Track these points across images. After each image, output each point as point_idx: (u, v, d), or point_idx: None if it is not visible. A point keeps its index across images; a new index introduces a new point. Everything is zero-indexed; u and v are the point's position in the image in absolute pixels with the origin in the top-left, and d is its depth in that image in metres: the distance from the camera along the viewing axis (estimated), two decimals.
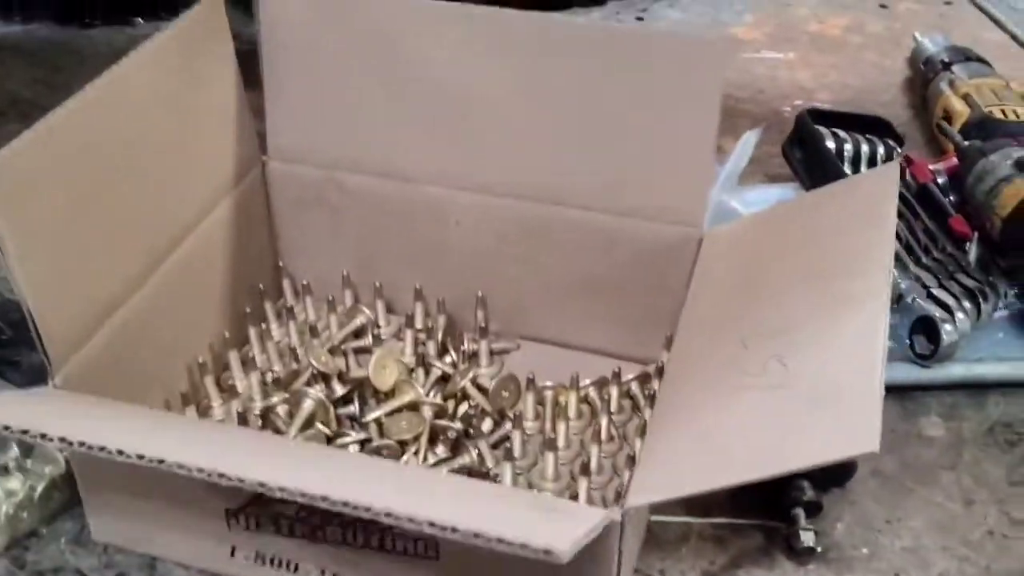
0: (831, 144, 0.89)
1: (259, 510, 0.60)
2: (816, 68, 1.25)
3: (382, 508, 0.46)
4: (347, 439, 0.69)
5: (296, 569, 0.62)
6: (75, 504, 0.67)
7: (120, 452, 0.51)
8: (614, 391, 0.73)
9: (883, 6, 1.41)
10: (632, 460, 0.68)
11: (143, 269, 0.67)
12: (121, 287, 0.65)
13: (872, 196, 0.62)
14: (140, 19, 1.31)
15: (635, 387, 0.74)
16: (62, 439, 0.52)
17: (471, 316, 0.79)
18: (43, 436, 0.52)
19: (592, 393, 0.74)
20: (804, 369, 0.52)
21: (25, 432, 0.52)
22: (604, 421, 0.71)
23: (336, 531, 0.59)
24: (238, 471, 0.50)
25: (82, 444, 0.52)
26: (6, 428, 0.51)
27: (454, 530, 0.45)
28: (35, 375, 0.78)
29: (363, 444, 0.69)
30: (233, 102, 0.74)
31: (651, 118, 0.68)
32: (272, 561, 0.62)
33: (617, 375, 0.73)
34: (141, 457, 0.51)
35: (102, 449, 0.51)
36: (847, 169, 0.89)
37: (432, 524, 0.45)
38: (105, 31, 1.30)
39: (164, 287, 0.69)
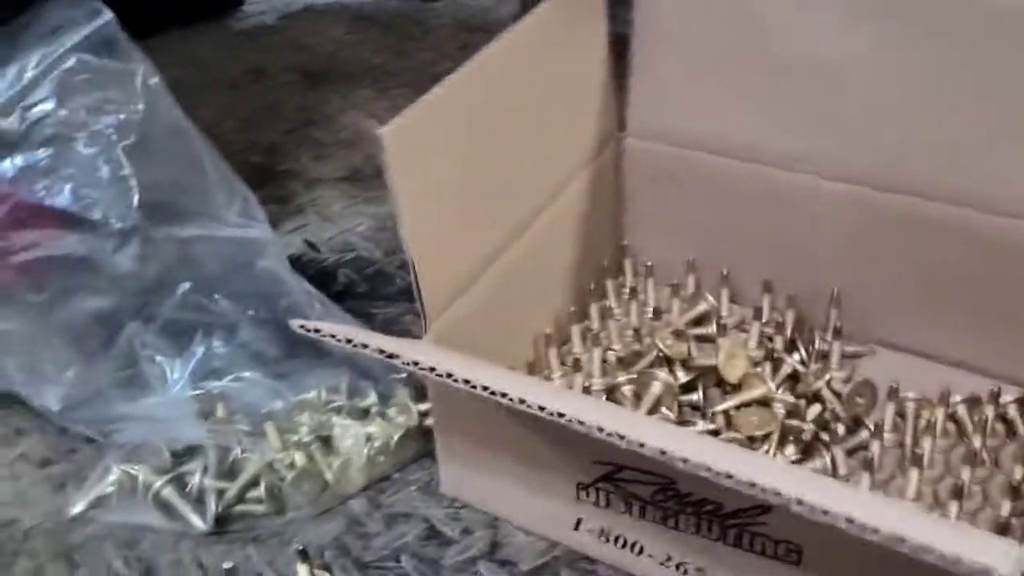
0: None
1: (611, 487, 0.59)
2: None
3: (725, 471, 0.44)
4: (696, 429, 0.67)
5: (641, 551, 0.61)
6: (424, 456, 0.70)
7: (503, 394, 0.52)
8: (989, 411, 0.67)
9: None
10: (1014, 490, 0.62)
11: (508, 235, 0.69)
12: (489, 251, 0.67)
13: None
14: None
15: (1013, 410, 0.67)
16: (448, 375, 0.53)
17: (821, 314, 0.75)
18: (432, 370, 0.53)
19: (961, 411, 0.68)
20: None
21: (415, 364, 0.54)
22: (977, 442, 0.65)
23: (690, 520, 0.57)
24: (617, 428, 0.49)
25: (467, 382, 0.53)
26: (415, 364, 0.53)
27: (875, 531, 0.41)
28: (386, 329, 0.82)
29: (712, 436, 0.67)
30: (600, 77, 0.74)
31: None
32: (617, 540, 0.61)
33: (996, 395, 0.67)
34: (522, 401, 0.51)
35: (485, 389, 0.52)
36: None
37: (851, 521, 0.42)
38: (448, 4, 1.36)
39: (523, 256, 0.70)
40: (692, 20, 0.72)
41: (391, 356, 0.53)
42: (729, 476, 0.46)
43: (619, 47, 0.75)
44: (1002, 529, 0.60)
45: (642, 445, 0.47)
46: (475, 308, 0.66)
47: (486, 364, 0.59)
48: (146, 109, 0.63)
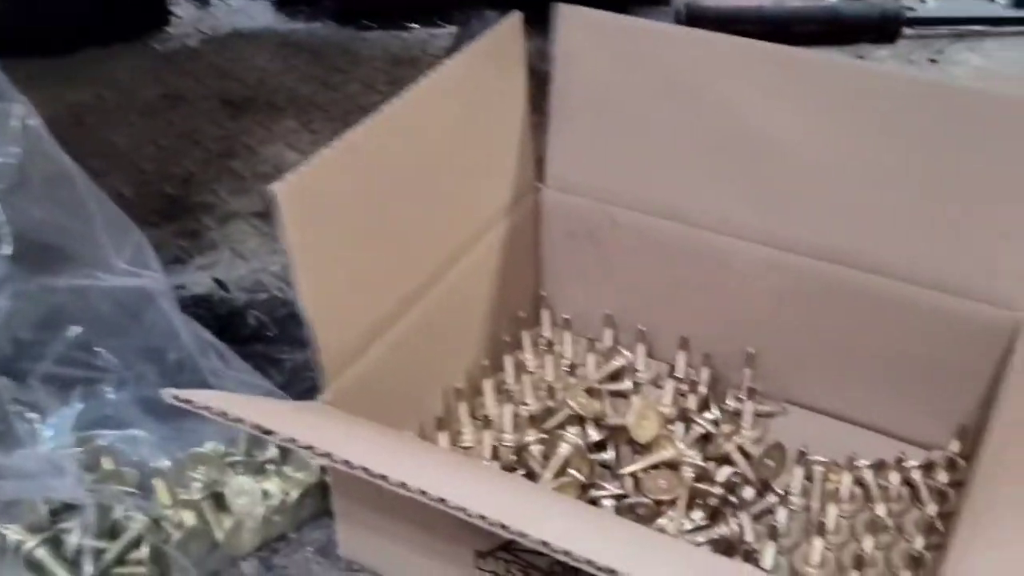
0: None
1: (510, 556, 0.57)
2: None
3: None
4: (602, 492, 0.65)
5: None
6: (323, 514, 0.67)
7: (383, 477, 0.50)
8: (894, 477, 0.66)
9: None
10: (915, 560, 0.61)
11: (418, 288, 0.66)
12: (396, 306, 0.65)
13: None
14: (415, 24, 1.34)
15: (917, 476, 0.67)
16: (327, 454, 0.51)
17: (736, 373, 0.74)
18: (311, 448, 0.51)
19: (868, 476, 0.67)
20: None
21: (292, 441, 0.52)
22: (882, 510, 0.64)
23: None
24: (497, 516, 0.47)
25: (346, 463, 0.51)
26: (269, 433, 0.50)
27: None
28: (295, 376, 0.79)
29: (618, 499, 0.65)
30: (518, 129, 0.73)
31: (992, 187, 0.61)
32: None
33: (900, 461, 0.66)
34: (403, 485, 0.50)
35: (365, 471, 0.50)
36: None
37: None
38: (381, 35, 1.34)
39: (434, 309, 0.68)
40: (615, 76, 0.71)
41: (267, 432, 0.50)
42: (567, 553, 0.46)
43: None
44: None
45: (524, 535, 0.46)
46: (381, 363, 0.64)
47: (375, 432, 0.57)
48: (24, 152, 0.59)
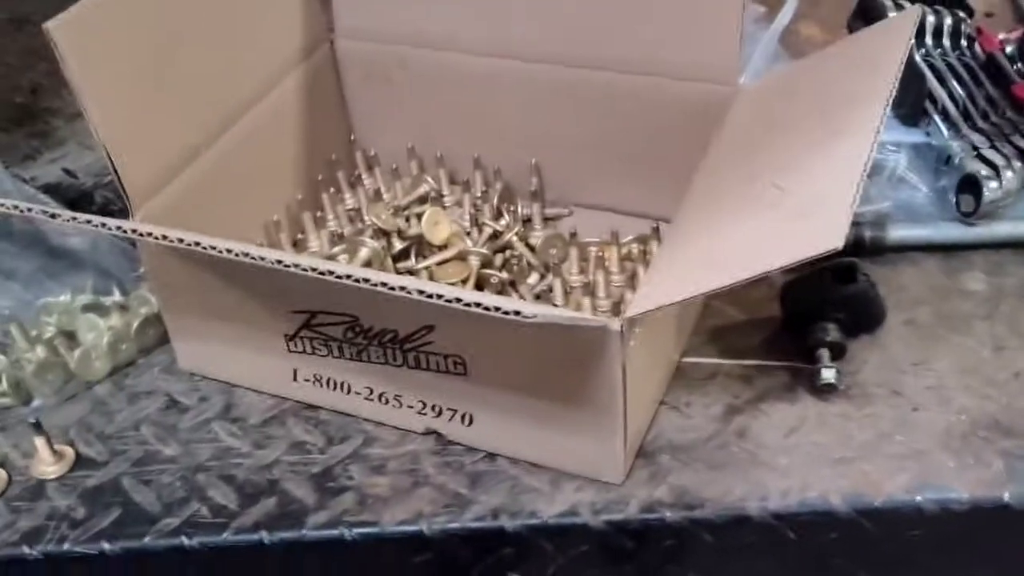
0: (894, 15, 0.89)
1: (311, 333, 0.67)
2: None
3: (398, 284, 0.52)
4: None
5: (348, 389, 0.69)
6: (167, 342, 0.76)
7: (181, 241, 0.59)
8: (655, 245, 0.77)
9: None
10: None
11: (217, 127, 0.75)
12: (196, 139, 0.73)
13: (879, 43, 0.63)
14: None
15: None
16: (135, 231, 0.59)
17: (525, 183, 0.84)
18: (119, 228, 0.59)
19: (635, 248, 0.78)
20: (796, 190, 0.55)
21: (103, 225, 0.59)
22: (642, 270, 0.75)
23: (378, 351, 0.65)
24: (296, 262, 0.56)
25: (164, 237, 0.59)
26: (121, 230, 0.58)
27: (439, 296, 0.50)
28: None
29: None
30: None
31: None
32: (328, 383, 0.69)
33: (656, 230, 0.77)
34: (214, 248, 0.58)
35: (165, 239, 0.58)
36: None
37: (422, 292, 0.50)
38: None
39: (238, 145, 0.76)
40: None
41: (53, 216, 0.58)
42: (403, 289, 0.54)
43: None
44: None
45: (332, 273, 0.54)
46: (189, 193, 0.72)
47: (189, 234, 0.65)
48: None
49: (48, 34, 0.61)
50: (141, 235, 0.59)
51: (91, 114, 0.64)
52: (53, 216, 0.59)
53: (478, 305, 0.49)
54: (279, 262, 0.57)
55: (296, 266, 0.55)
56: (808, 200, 0.53)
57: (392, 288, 0.55)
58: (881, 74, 0.59)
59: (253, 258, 0.58)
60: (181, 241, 0.58)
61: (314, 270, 0.56)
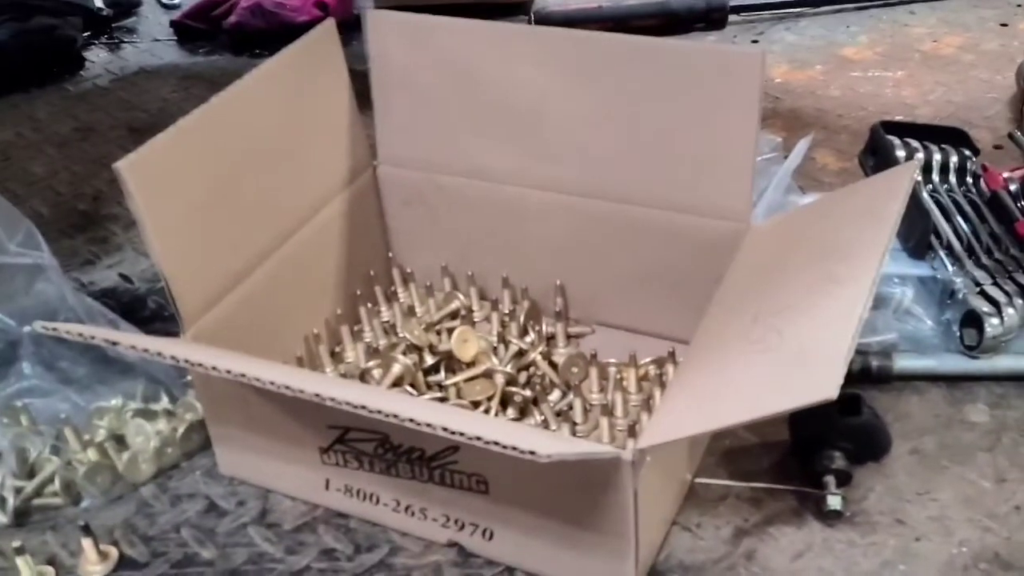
0: (901, 153, 0.94)
1: (344, 447, 0.71)
2: (923, 86, 1.28)
3: (424, 421, 0.56)
4: (424, 398, 0.79)
5: (377, 500, 0.73)
6: (210, 446, 0.81)
7: (228, 372, 0.63)
8: (671, 368, 0.81)
9: (1004, 24, 1.41)
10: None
11: (266, 249, 0.81)
12: (246, 263, 0.79)
13: (880, 194, 0.68)
14: None
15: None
16: (187, 361, 0.64)
17: (552, 303, 0.89)
18: (173, 358, 0.65)
19: (652, 370, 0.82)
20: (793, 336, 0.59)
21: (160, 354, 0.65)
22: (658, 392, 0.79)
23: (406, 467, 0.69)
24: (332, 394, 0.61)
25: (200, 364, 0.64)
26: (145, 350, 0.64)
27: (462, 434, 0.54)
28: None
29: (440, 402, 0.79)
30: (346, 114, 0.88)
31: (697, 124, 0.76)
32: (358, 494, 0.73)
33: (672, 354, 0.81)
34: (258, 380, 0.62)
35: (215, 369, 0.63)
36: (918, 176, 0.93)
37: (446, 429, 0.55)
38: None
39: (285, 266, 0.82)
40: (419, 70, 0.86)
41: (114, 343, 0.64)
42: (429, 425, 0.58)
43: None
44: None
45: (364, 407, 0.58)
46: (239, 310, 0.78)
47: (236, 356, 0.71)
48: None
49: (117, 173, 0.68)
50: (191, 364, 0.64)
51: (152, 246, 0.70)
52: (114, 344, 0.64)
53: (496, 444, 0.54)
54: (317, 395, 0.61)
55: (332, 400, 0.59)
56: (806, 347, 0.57)
57: (419, 424, 0.59)
58: (879, 225, 0.64)
59: (293, 390, 0.62)
60: (228, 372, 0.63)
61: (348, 404, 0.60)
